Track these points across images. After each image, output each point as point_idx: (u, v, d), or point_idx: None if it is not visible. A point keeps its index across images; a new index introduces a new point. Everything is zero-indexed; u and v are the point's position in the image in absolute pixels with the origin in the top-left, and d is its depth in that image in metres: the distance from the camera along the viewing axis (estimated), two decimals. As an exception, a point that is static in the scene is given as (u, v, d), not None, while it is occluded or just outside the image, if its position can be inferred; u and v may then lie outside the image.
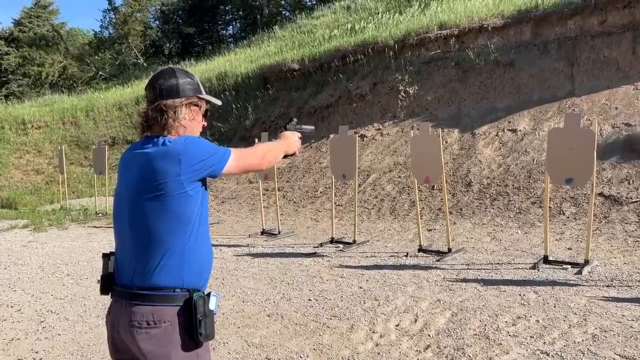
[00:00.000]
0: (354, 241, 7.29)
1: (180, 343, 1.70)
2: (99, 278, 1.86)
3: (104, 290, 1.84)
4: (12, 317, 4.92)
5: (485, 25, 11.44)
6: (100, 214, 11.76)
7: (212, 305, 1.76)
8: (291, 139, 2.13)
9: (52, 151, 17.46)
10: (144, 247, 1.73)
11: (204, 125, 1.96)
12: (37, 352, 4.05)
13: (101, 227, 10.36)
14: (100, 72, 33.52)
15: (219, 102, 2.06)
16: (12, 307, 5.24)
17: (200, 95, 1.89)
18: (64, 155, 13.85)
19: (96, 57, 34.71)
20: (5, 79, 34.11)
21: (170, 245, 1.72)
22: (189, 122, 1.85)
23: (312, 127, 2.37)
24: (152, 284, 1.71)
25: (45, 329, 4.57)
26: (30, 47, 34.20)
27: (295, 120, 2.25)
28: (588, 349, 3.48)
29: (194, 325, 1.71)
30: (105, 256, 1.87)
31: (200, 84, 1.93)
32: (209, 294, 1.78)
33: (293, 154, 2.14)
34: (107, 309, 1.87)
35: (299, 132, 2.21)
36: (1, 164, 17.25)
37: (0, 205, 14.82)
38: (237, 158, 1.86)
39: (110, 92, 21.75)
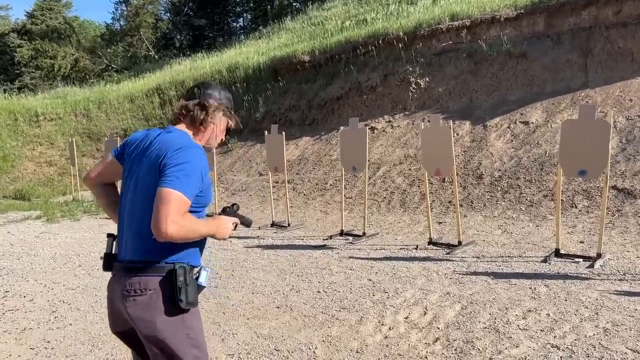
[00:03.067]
0: (364, 234, 7.28)
1: (163, 309, 1.86)
2: (102, 255, 2.06)
3: (105, 268, 2.01)
4: (25, 307, 4.98)
5: (498, 16, 11.31)
6: (111, 206, 11.83)
7: (202, 279, 1.94)
8: (224, 225, 2.00)
9: (65, 143, 17.60)
10: (135, 225, 1.90)
11: (222, 139, 2.18)
12: (48, 342, 4.09)
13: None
14: (111, 65, 33.71)
15: (239, 126, 2.23)
16: (24, 297, 5.31)
17: (232, 111, 2.14)
18: (75, 147, 13.94)
19: (108, 49, 34.88)
20: (18, 71, 34.41)
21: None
22: (219, 129, 2.10)
23: (251, 220, 2.23)
24: (140, 258, 1.88)
25: (57, 318, 4.62)
26: (43, 40, 34.44)
27: (236, 206, 2.15)
28: (599, 343, 3.44)
29: (174, 293, 1.85)
30: (110, 236, 2.06)
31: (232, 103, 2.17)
32: (200, 268, 1.96)
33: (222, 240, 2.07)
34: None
35: (236, 218, 2.09)
36: (14, 155, 17.42)
37: (13, 196, 14.98)
38: (173, 198, 1.75)
39: (122, 84, 21.85)
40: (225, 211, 2.10)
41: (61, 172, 16.98)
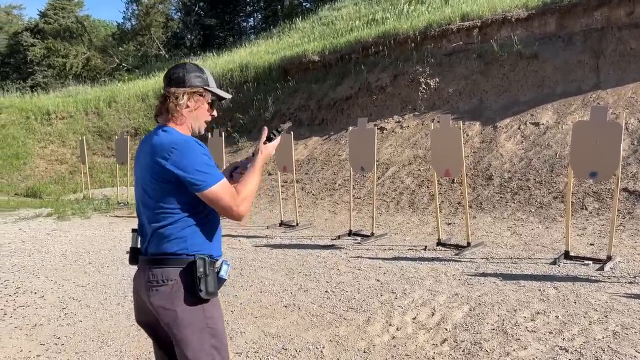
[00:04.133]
0: (372, 234, 7.28)
1: (184, 299, 1.94)
2: (128, 250, 2.15)
3: (131, 261, 2.11)
4: (36, 303, 5.03)
5: (509, 17, 11.25)
6: (122, 204, 11.93)
7: (223, 272, 2.04)
8: (266, 157, 2.18)
9: (76, 141, 17.74)
10: (154, 221, 1.99)
11: (213, 115, 2.17)
12: (59, 338, 4.13)
13: (123, 216, 10.51)
14: (123, 64, 33.90)
15: (227, 96, 2.20)
16: (35, 293, 5.36)
17: (206, 87, 2.08)
18: (85, 145, 14.06)
19: (119, 48, 35.10)
20: (31, 70, 34.71)
21: (172, 221, 1.97)
22: (193, 110, 2.06)
23: (288, 124, 2.40)
24: (162, 251, 1.98)
25: (67, 315, 4.66)
26: (55, 39, 34.73)
27: (278, 130, 2.26)
28: (608, 346, 3.42)
29: (194, 283, 1.94)
30: (134, 231, 2.14)
31: (210, 78, 2.12)
32: (222, 262, 2.06)
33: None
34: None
35: (278, 138, 2.24)
36: (26, 153, 17.60)
37: (25, 194, 15.13)
38: (219, 192, 1.94)
39: (133, 83, 21.98)
40: (270, 139, 2.21)
41: (72, 170, 17.12)
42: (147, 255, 2.03)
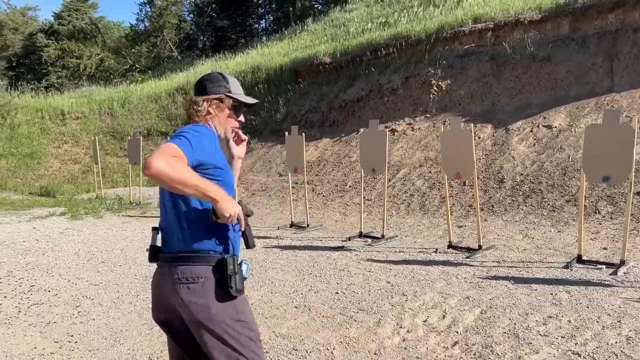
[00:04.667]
0: (383, 236, 7.27)
1: (216, 295, 1.98)
2: (148, 248, 2.16)
3: (151, 259, 2.12)
4: (49, 301, 5.09)
5: (522, 19, 11.20)
6: (134, 204, 12.02)
7: (243, 271, 2.05)
8: (231, 201, 1.95)
9: (89, 141, 17.90)
10: (181, 219, 2.02)
11: (239, 120, 2.24)
12: (72, 336, 4.18)
13: (135, 216, 10.59)
14: (136, 65, 34.15)
15: (251, 101, 2.25)
16: (49, 291, 5.43)
17: (227, 94, 2.17)
18: (98, 145, 14.18)
19: (132, 50, 35.38)
20: (45, 70, 35.04)
21: (197, 218, 2.00)
22: (213, 115, 2.15)
23: (255, 242, 2.16)
24: (190, 248, 2.01)
25: (80, 313, 4.72)
26: (69, 40, 35.07)
27: (250, 210, 2.09)
28: (622, 351, 3.39)
29: (226, 280, 1.98)
30: (154, 229, 2.16)
31: (234, 85, 2.21)
32: (242, 261, 2.07)
33: (221, 218, 1.93)
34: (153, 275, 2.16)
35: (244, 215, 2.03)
36: (41, 153, 17.79)
37: (39, 193, 15.29)
38: (165, 146, 1.87)
39: (146, 84, 22.15)
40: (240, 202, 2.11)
41: (85, 170, 17.29)
42: (173, 252, 2.04)
